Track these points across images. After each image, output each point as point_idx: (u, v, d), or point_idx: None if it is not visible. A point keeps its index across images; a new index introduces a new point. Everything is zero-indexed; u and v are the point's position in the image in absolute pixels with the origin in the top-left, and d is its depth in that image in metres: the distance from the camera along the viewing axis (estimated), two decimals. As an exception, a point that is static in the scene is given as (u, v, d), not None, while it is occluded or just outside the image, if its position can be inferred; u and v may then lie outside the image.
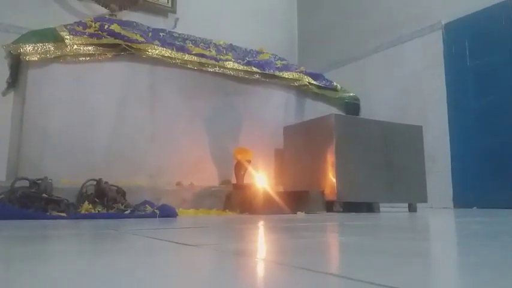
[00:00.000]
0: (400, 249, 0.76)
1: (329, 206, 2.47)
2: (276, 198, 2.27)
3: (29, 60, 2.19)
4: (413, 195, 2.71)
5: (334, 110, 3.21)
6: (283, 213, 2.21)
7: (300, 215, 2.20)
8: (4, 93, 2.55)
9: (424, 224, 1.73)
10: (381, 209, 2.92)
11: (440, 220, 1.96)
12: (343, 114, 3.24)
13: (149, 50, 2.51)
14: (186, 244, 0.84)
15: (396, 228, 1.37)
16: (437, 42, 3.53)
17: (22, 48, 2.17)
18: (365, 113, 3.45)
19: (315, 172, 2.59)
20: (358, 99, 3.33)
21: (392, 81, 3.84)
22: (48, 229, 1.23)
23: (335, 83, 3.25)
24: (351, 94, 3.31)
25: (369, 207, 2.83)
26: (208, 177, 2.63)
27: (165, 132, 2.56)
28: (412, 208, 2.71)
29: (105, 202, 2.02)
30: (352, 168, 2.52)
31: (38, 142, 2.22)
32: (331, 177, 2.49)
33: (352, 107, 3.29)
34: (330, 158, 2.50)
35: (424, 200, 2.72)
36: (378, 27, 4.06)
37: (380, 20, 4.05)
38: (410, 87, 3.68)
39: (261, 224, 1.51)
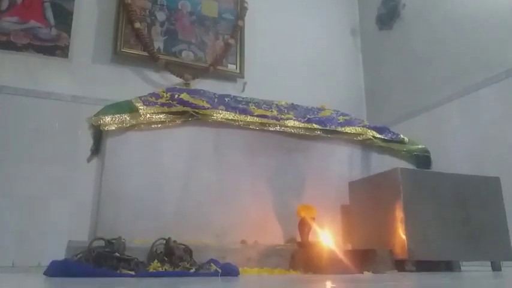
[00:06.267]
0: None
1: (400, 265, 2.34)
2: (341, 257, 2.20)
3: (107, 130, 2.45)
4: (496, 252, 2.47)
5: (403, 164, 3.11)
6: (349, 273, 2.13)
7: (367, 274, 2.11)
8: (88, 160, 2.83)
9: (498, 284, 1.57)
10: (462, 268, 2.70)
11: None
12: (413, 167, 3.12)
13: (214, 115, 2.68)
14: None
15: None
16: (515, 88, 3.34)
17: (102, 119, 2.44)
18: (441, 164, 3.29)
19: (384, 229, 2.49)
20: (428, 152, 3.20)
21: (469, 131, 3.65)
22: (112, 286, 1.32)
23: (402, 136, 3.17)
24: (420, 146, 3.20)
25: (448, 266, 2.64)
26: (273, 235, 2.64)
27: (229, 192, 2.65)
28: (495, 267, 2.47)
29: (173, 261, 2.11)
30: (423, 225, 2.39)
31: (114, 204, 2.41)
32: (401, 234, 2.37)
33: (422, 159, 3.16)
34: (399, 214, 2.40)
35: (509, 258, 2.46)
36: (448, 75, 3.94)
37: (450, 68, 3.93)
38: (489, 136, 3.46)
39: (319, 285, 1.48)
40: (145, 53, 4.05)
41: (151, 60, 4.06)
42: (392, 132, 3.18)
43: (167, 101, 2.67)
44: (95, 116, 2.50)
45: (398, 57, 4.61)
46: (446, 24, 4.03)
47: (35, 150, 3.42)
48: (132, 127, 2.52)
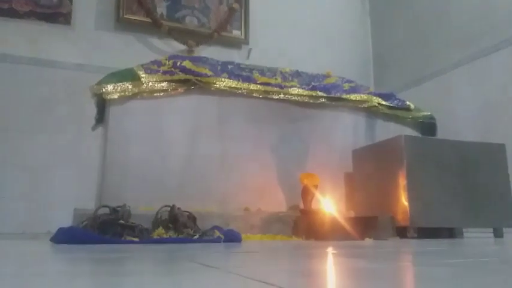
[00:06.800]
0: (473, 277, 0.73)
1: (402, 232, 2.36)
2: (343, 223, 2.22)
3: (110, 99, 2.45)
4: (498, 219, 2.48)
5: (408, 131, 3.08)
6: (350, 240, 2.15)
7: (368, 241, 2.14)
8: (93, 129, 2.85)
9: (498, 250, 1.58)
10: (465, 234, 2.72)
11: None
12: (418, 134, 3.10)
13: (217, 83, 2.66)
14: (213, 267, 0.88)
15: (460, 255, 1.29)
16: (525, 53, 3.26)
17: (104, 88, 2.44)
18: (448, 131, 3.26)
19: (387, 196, 2.50)
20: (433, 118, 3.16)
21: (478, 96, 3.59)
22: (115, 252, 1.35)
23: (408, 102, 3.13)
24: (426, 113, 3.16)
25: (450, 233, 2.66)
26: (276, 202, 2.67)
27: (233, 160, 2.66)
28: (497, 233, 2.48)
29: (177, 227, 2.14)
30: (426, 192, 2.40)
31: (119, 172, 2.44)
32: (403, 202, 2.38)
33: (428, 126, 3.13)
34: (402, 181, 2.40)
35: (511, 225, 2.48)
36: (458, 40, 3.85)
37: (460, 33, 3.83)
38: (498, 102, 3.41)
39: (318, 250, 1.50)
40: (148, 19, 3.99)
41: (154, 26, 4.00)
42: (398, 99, 3.14)
43: (169, 69, 2.65)
44: (96, 84, 2.50)
45: (407, 21, 4.49)
46: (458, -14, 3.90)
47: (41, 119, 3.45)
48: (134, 95, 2.51)
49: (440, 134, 3.21)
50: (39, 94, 3.47)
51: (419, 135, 3.10)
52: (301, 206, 2.58)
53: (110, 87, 2.44)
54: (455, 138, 2.66)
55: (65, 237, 1.76)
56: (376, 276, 0.77)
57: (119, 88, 2.45)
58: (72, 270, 0.89)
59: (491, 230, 2.55)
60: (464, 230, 2.71)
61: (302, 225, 2.40)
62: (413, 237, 2.31)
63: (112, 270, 0.87)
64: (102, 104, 2.63)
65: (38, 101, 3.46)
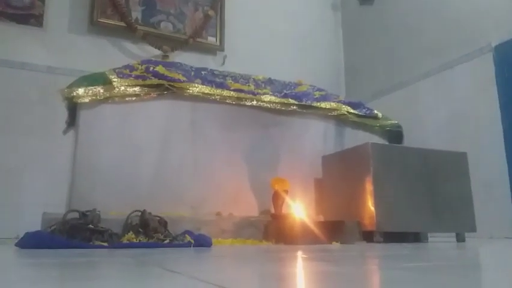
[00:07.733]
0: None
1: (369, 236, 2.43)
2: (312, 228, 2.27)
3: (81, 102, 2.44)
4: (460, 224, 2.58)
5: (375, 138, 3.17)
6: (318, 243, 2.20)
7: (335, 245, 2.19)
8: (64, 132, 2.82)
9: (459, 254, 1.65)
10: (430, 239, 2.81)
11: (483, 250, 1.86)
12: (385, 142, 3.19)
13: (190, 88, 2.68)
14: (178, 273, 0.90)
15: (423, 259, 1.34)
16: (489, 65, 3.39)
17: (75, 91, 2.42)
18: (415, 139, 3.37)
19: (354, 201, 2.56)
20: (400, 127, 3.27)
21: (443, 107, 3.72)
22: (82, 257, 1.35)
23: (376, 111, 3.23)
24: (393, 122, 3.26)
25: (415, 238, 2.74)
26: (247, 207, 2.70)
27: (205, 165, 2.68)
28: (460, 238, 2.58)
29: (147, 232, 2.14)
30: (391, 198, 2.47)
31: (89, 176, 2.43)
32: (370, 207, 2.45)
33: (394, 135, 3.23)
34: (368, 187, 2.47)
35: (473, 230, 2.58)
36: (426, 52, 3.99)
37: (428, 45, 3.98)
38: (462, 112, 3.54)
39: (286, 254, 1.53)
40: (122, 24, 3.98)
41: (129, 31, 4.00)
42: (367, 108, 3.23)
43: (142, 74, 2.65)
44: (67, 87, 2.48)
45: (378, 32, 4.63)
46: (427, 1, 4.05)
47: (11, 122, 3.38)
48: (106, 100, 2.50)
49: (408, 142, 3.32)
50: (9, 96, 3.41)
51: (386, 143, 3.20)
52: (273, 210, 2.62)
53: (81, 90, 2.43)
54: (422, 147, 2.75)
55: (31, 241, 1.74)
56: (342, 279, 0.79)
57: (90, 92, 2.44)
58: (36, 275, 0.89)
59: (454, 234, 2.65)
60: (429, 234, 2.80)
61: (273, 230, 2.44)
62: (379, 242, 2.37)
63: (76, 275, 0.88)
64: (73, 108, 2.61)
65: (8, 102, 3.40)
